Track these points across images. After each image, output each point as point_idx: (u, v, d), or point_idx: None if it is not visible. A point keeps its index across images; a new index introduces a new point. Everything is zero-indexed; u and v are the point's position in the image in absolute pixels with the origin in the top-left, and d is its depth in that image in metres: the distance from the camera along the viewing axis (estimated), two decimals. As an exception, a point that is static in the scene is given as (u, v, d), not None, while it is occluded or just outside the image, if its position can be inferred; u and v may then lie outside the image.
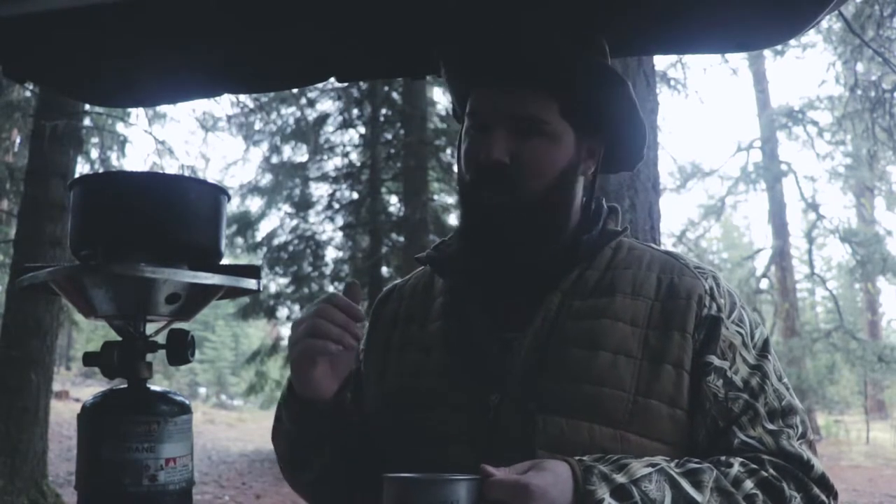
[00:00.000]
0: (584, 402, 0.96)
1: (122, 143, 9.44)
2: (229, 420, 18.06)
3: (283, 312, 11.34)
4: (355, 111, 11.08)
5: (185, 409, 1.01)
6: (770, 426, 0.97)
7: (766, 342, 1.04)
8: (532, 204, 1.02)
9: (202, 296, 1.06)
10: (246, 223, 11.36)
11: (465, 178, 1.06)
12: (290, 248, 11.10)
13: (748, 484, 0.91)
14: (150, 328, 1.07)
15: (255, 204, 11.96)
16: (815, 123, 15.22)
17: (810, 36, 13.24)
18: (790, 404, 1.00)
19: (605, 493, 0.85)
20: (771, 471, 0.93)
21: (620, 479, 0.87)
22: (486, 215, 1.03)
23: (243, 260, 11.65)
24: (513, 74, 1.02)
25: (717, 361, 0.99)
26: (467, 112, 1.07)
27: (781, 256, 16.79)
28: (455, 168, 1.20)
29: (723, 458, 0.95)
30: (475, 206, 1.04)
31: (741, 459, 0.94)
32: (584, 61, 1.04)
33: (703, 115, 56.73)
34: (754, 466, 0.93)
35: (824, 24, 11.13)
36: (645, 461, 0.91)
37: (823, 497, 0.95)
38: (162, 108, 10.08)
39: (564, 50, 1.03)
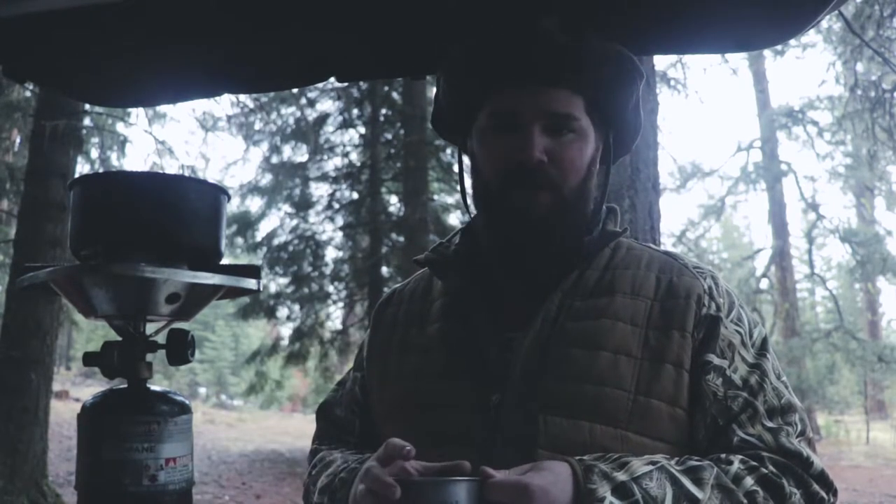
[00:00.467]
0: (586, 402, 0.96)
1: (122, 143, 9.45)
2: (229, 420, 18.06)
3: (283, 312, 11.34)
4: (355, 111, 11.08)
5: (185, 409, 1.01)
6: (769, 424, 0.97)
7: (764, 341, 1.05)
8: (571, 200, 1.03)
9: (202, 296, 1.06)
10: (246, 223, 11.36)
11: (490, 179, 1.05)
12: (290, 248, 11.10)
13: (748, 481, 0.91)
14: (150, 328, 1.07)
15: (255, 204, 11.99)
16: (815, 123, 15.23)
17: (810, 36, 13.26)
18: (789, 402, 1.00)
19: (606, 492, 0.86)
20: (771, 468, 0.93)
21: (621, 477, 0.87)
22: (526, 213, 1.01)
23: (243, 260, 11.64)
24: (543, 73, 1.02)
25: (716, 360, 0.99)
26: (492, 111, 1.06)
27: (781, 256, 16.79)
28: (456, 168, 1.20)
29: (723, 455, 0.95)
30: (512, 203, 1.02)
31: (741, 457, 0.94)
32: (609, 57, 1.04)
33: (703, 115, 56.80)
34: (754, 463, 0.93)
35: (824, 24, 11.13)
36: (645, 459, 0.91)
37: (823, 493, 0.95)
38: (162, 108, 10.10)
39: (593, 46, 1.03)
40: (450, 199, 11.51)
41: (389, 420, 1.11)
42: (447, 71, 1.12)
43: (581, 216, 1.07)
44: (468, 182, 1.13)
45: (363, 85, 10.18)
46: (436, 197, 11.09)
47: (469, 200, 1.13)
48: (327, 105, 11.26)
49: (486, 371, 1.01)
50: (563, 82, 1.03)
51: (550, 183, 1.02)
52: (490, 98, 1.06)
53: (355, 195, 11.21)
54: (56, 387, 9.58)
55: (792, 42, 11.88)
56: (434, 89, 1.19)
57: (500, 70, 1.04)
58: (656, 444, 0.96)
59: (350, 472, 1.03)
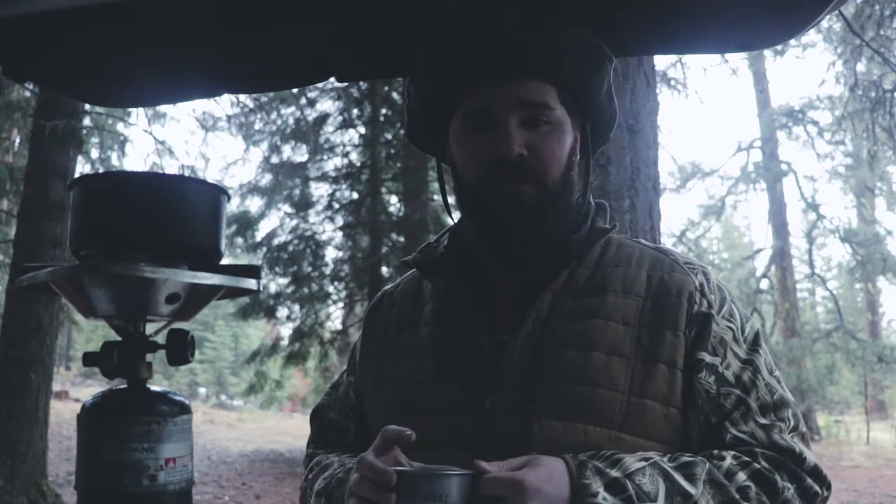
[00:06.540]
0: (580, 404, 0.96)
1: (122, 143, 9.45)
2: (229, 420, 18.05)
3: (283, 312, 11.33)
4: (355, 111, 11.07)
5: (185, 409, 1.01)
6: (762, 420, 0.97)
7: (756, 336, 1.04)
8: (555, 191, 1.03)
9: (202, 296, 1.06)
10: (246, 223, 11.35)
11: (472, 179, 1.04)
12: (290, 248, 11.09)
13: (741, 476, 0.92)
14: (150, 328, 1.07)
15: (255, 204, 11.96)
16: (815, 123, 15.23)
17: (810, 36, 13.27)
18: (782, 398, 1.00)
19: (599, 487, 0.86)
20: (763, 463, 0.93)
21: (614, 473, 0.88)
22: (512, 208, 1.01)
23: (243, 260, 11.64)
24: (512, 65, 1.01)
25: (708, 358, 0.99)
26: (466, 112, 1.05)
27: (781, 256, 16.79)
28: (439, 179, 1.20)
29: (715, 451, 0.95)
30: (496, 197, 1.01)
31: (734, 452, 0.94)
32: (575, 43, 1.04)
33: (703, 115, 56.84)
34: (747, 459, 0.94)
35: (824, 24, 11.13)
36: (638, 456, 0.92)
37: (816, 487, 0.96)
38: (162, 108, 10.10)
39: (557, 33, 1.03)
40: (449, 199, 11.50)
41: (384, 424, 1.10)
42: (416, 78, 1.11)
43: (567, 207, 1.06)
44: (452, 189, 1.13)
45: (363, 85, 10.17)
46: (436, 197, 11.05)
47: (451, 205, 1.14)
48: (327, 105, 11.26)
49: (479, 374, 1.01)
50: (534, 72, 1.02)
51: (532, 176, 1.01)
52: (461, 99, 1.05)
53: (355, 195, 11.21)
54: (56, 387, 9.59)
55: (792, 42, 11.88)
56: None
57: (467, 69, 1.04)
58: (651, 445, 0.96)
59: (347, 473, 1.03)
